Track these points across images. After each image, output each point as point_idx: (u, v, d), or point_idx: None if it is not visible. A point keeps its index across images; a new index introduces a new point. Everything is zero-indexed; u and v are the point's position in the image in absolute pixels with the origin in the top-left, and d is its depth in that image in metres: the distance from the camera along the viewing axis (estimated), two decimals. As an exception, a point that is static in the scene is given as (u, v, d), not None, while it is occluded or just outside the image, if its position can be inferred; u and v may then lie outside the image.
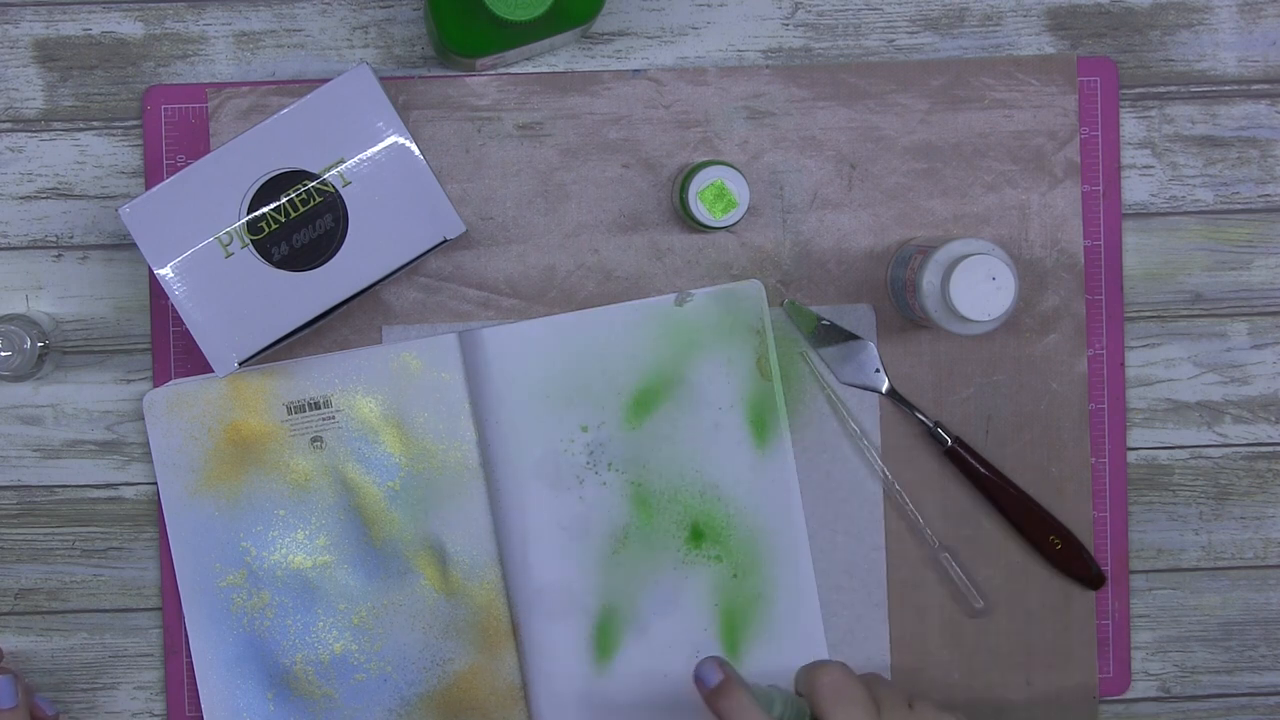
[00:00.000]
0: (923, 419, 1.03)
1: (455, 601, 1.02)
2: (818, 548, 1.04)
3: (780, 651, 1.03)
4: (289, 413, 1.02)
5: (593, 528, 1.03)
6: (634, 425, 1.03)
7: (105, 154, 1.03)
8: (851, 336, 1.03)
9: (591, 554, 1.03)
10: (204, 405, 1.01)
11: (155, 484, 1.03)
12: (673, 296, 1.03)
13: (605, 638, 1.03)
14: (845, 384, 1.04)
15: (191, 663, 1.03)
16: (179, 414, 1.01)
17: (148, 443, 1.03)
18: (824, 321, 1.03)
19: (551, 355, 1.03)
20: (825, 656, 1.03)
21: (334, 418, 1.02)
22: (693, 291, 1.03)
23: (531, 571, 1.02)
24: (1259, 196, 1.06)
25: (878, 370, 1.04)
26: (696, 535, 1.03)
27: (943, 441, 1.03)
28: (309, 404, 1.02)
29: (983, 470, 1.03)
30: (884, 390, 1.04)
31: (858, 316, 1.04)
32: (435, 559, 1.02)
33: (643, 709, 1.03)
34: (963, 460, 1.03)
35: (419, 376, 1.02)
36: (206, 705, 1.02)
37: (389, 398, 1.02)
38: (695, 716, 1.03)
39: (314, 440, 1.02)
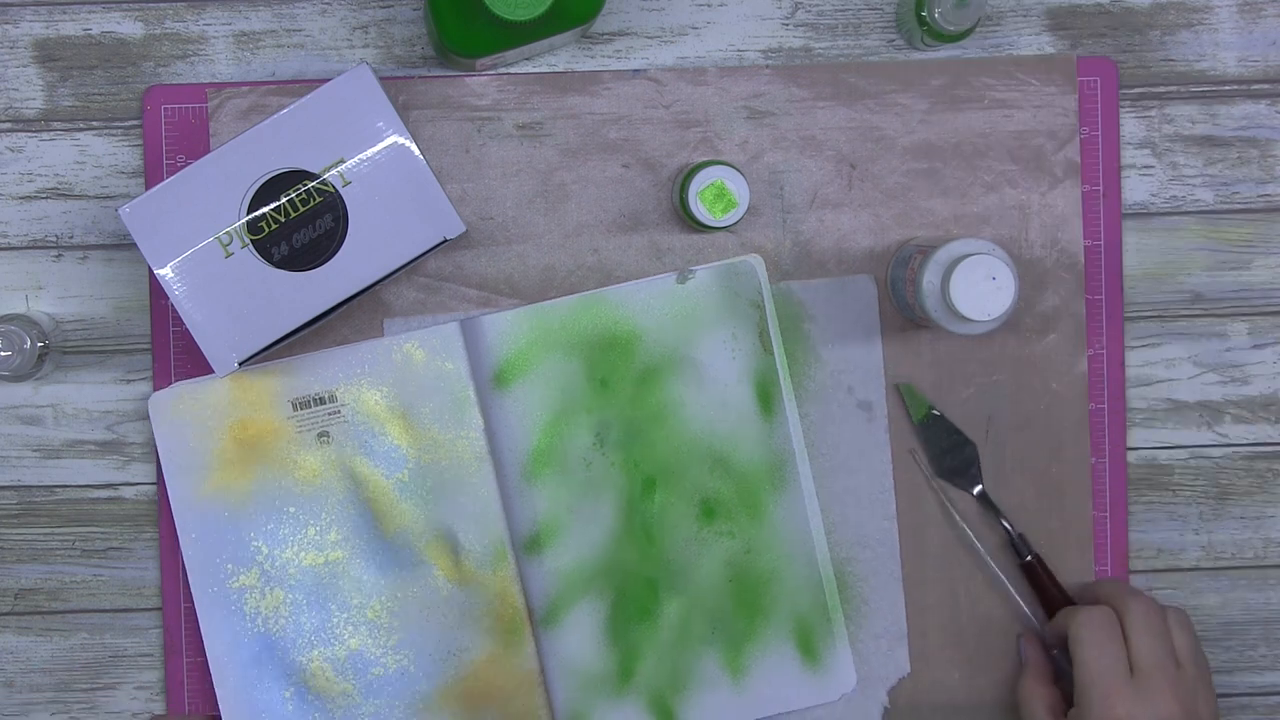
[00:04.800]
0: (1007, 528, 1.03)
1: (469, 591, 1.02)
2: (829, 521, 1.04)
3: (796, 627, 1.03)
4: (294, 409, 1.02)
5: (603, 509, 1.03)
6: (641, 405, 1.03)
7: (105, 154, 1.03)
8: (958, 433, 1.03)
9: (603, 536, 1.03)
10: (209, 405, 1.01)
11: (155, 484, 1.03)
12: (674, 274, 1.03)
13: (620, 619, 1.03)
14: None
15: (191, 663, 1.03)
16: (184, 415, 1.01)
17: (148, 443, 1.03)
18: (935, 411, 1.03)
19: (554, 339, 1.03)
20: (844, 632, 1.03)
21: (339, 412, 1.02)
22: (694, 268, 1.03)
23: (544, 556, 1.02)
24: (1259, 196, 1.06)
25: (974, 471, 1.03)
26: (708, 512, 1.03)
27: (1022, 554, 1.03)
28: (314, 399, 1.02)
29: (1053, 589, 1.03)
30: (975, 493, 1.04)
31: (859, 288, 1.04)
32: (447, 549, 1.02)
33: (661, 688, 1.03)
34: (1035, 575, 1.03)
35: (422, 367, 1.02)
36: (224, 707, 1.01)
37: (393, 389, 1.02)
38: (713, 694, 1.03)
39: (321, 435, 1.02)
